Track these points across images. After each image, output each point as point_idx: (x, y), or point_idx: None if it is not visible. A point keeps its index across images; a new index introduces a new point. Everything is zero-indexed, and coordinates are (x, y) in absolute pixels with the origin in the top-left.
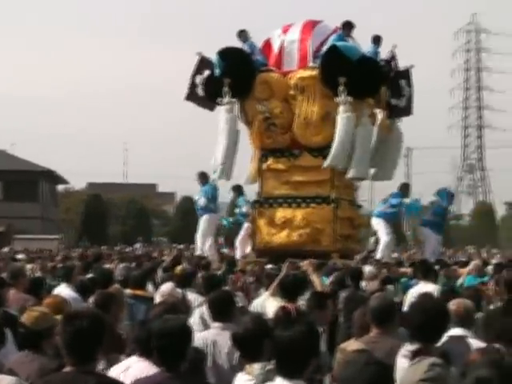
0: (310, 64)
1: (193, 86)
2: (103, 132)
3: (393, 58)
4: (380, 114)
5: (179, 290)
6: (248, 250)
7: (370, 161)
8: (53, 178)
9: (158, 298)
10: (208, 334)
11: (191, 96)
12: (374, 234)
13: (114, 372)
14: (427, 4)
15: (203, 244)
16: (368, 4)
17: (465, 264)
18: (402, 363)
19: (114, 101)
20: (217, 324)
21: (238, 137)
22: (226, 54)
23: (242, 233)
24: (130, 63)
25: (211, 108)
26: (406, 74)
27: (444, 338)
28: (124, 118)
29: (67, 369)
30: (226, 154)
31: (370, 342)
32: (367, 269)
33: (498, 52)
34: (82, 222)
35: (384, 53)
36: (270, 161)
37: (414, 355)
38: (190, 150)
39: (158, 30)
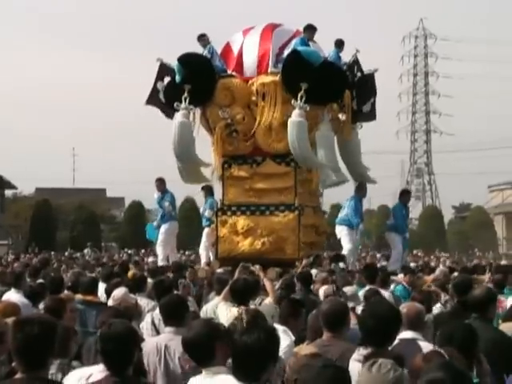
0: (271, 69)
1: (154, 91)
2: (51, 137)
3: (356, 62)
4: (343, 118)
5: (132, 295)
6: (211, 257)
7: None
8: (0, 183)
9: (110, 303)
10: (160, 338)
11: (152, 100)
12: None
13: (72, 378)
14: (378, 8)
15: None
16: (318, 5)
17: (431, 270)
18: (355, 367)
19: (61, 105)
20: (169, 329)
21: (193, 143)
22: (186, 60)
23: (203, 239)
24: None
25: (171, 116)
26: (370, 79)
27: (395, 341)
28: (72, 122)
29: (18, 375)
30: (182, 159)
31: (322, 345)
32: (314, 272)
33: (446, 57)
34: (31, 228)
35: (346, 57)
36: (233, 168)
37: (367, 359)
38: (139, 155)
39: (100, 32)
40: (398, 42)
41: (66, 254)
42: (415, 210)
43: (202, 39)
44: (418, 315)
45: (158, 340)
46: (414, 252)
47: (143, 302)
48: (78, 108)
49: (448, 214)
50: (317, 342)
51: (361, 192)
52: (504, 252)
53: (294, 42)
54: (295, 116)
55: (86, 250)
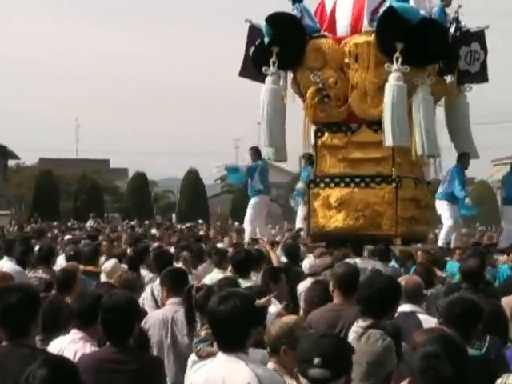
0: (366, 28)
1: (246, 60)
2: (55, 108)
3: (456, 19)
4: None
5: (123, 266)
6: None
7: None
8: (4, 153)
9: (102, 275)
10: (165, 311)
11: (245, 71)
12: None
13: (53, 346)
14: None
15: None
16: None
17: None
18: (353, 339)
19: (66, 76)
20: (172, 299)
21: (285, 111)
22: (274, 20)
23: (299, 214)
24: (83, 39)
25: (264, 81)
26: (479, 37)
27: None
28: (76, 93)
29: (3, 343)
30: (275, 134)
31: (334, 309)
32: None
33: None
34: (34, 198)
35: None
36: (325, 136)
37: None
38: (142, 126)
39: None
40: None
41: (69, 224)
42: None
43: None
44: (417, 288)
45: (163, 312)
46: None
47: (143, 273)
48: (83, 78)
49: None
50: (326, 308)
51: (464, 163)
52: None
53: None
54: (393, 79)
55: (89, 222)
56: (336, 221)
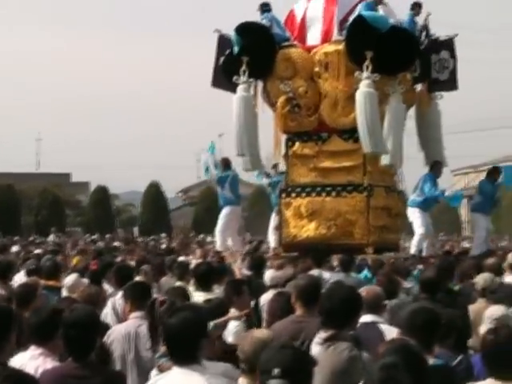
0: (335, 37)
1: (217, 69)
2: (15, 122)
3: (425, 27)
4: (419, 89)
5: (85, 280)
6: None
7: (419, 143)
8: None
9: (64, 290)
10: (128, 325)
11: (217, 81)
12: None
13: (14, 363)
14: None
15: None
16: None
17: None
18: (316, 351)
19: (27, 90)
20: (135, 314)
21: (257, 119)
22: (244, 29)
23: (271, 224)
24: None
25: (235, 90)
26: (448, 45)
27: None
28: (37, 108)
29: None
30: (249, 143)
31: (296, 321)
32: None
33: None
34: None
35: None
36: (296, 146)
37: (327, 342)
38: (103, 139)
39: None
40: None
41: (31, 238)
42: None
43: (263, 7)
44: (377, 298)
45: (125, 327)
46: None
47: (105, 287)
48: (44, 90)
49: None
50: (288, 319)
51: (437, 171)
52: (467, 235)
53: (359, 6)
54: (364, 87)
55: (50, 236)
56: (308, 230)
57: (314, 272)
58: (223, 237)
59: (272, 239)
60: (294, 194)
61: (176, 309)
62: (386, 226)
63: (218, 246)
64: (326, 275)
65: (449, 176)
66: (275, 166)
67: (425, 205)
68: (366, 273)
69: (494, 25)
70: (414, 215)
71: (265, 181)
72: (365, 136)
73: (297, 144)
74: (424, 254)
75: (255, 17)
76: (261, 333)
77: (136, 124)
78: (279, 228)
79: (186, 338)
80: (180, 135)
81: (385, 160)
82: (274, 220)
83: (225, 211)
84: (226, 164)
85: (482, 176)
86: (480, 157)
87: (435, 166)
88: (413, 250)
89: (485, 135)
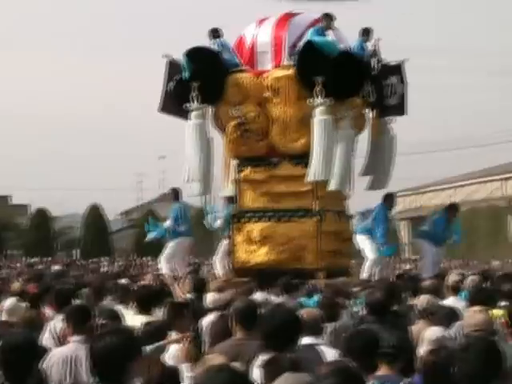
0: (285, 62)
1: (166, 95)
2: None
3: (375, 53)
4: (370, 114)
5: (23, 304)
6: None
7: (365, 168)
8: None
9: (2, 314)
10: (67, 349)
11: (165, 106)
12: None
13: None
14: None
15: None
16: None
17: None
18: (256, 373)
19: None
20: (75, 338)
21: (211, 146)
22: (194, 54)
23: (220, 249)
24: None
25: (185, 117)
26: (397, 70)
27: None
28: None
29: None
30: (203, 167)
31: (235, 344)
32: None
33: None
34: None
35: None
36: (247, 171)
37: (267, 364)
38: (42, 162)
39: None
40: None
41: None
42: None
43: (214, 33)
44: (315, 320)
45: (65, 351)
46: None
47: (46, 311)
48: None
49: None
50: (227, 342)
51: (390, 202)
52: (408, 257)
53: (309, 32)
54: (320, 114)
55: None
56: (259, 255)
57: (259, 295)
58: (171, 263)
59: (220, 266)
60: (244, 219)
61: (104, 332)
62: (337, 251)
63: (165, 272)
64: (272, 298)
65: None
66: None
67: (374, 233)
68: (316, 298)
69: (446, 49)
70: (365, 242)
71: (219, 223)
72: (317, 164)
73: (247, 169)
74: (376, 278)
75: (205, 42)
76: (216, 359)
77: (73, 145)
78: (230, 253)
79: (112, 362)
80: (119, 156)
81: (332, 185)
82: (223, 246)
83: (172, 242)
84: (175, 195)
85: (423, 198)
86: (419, 179)
87: (389, 198)
88: (365, 275)
89: (425, 158)
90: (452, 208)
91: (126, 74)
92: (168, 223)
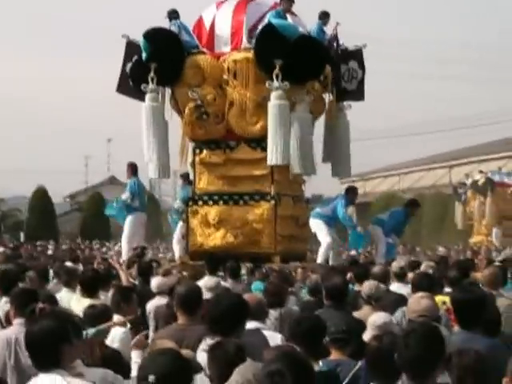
0: (244, 44)
1: (123, 75)
2: None
3: (335, 37)
4: (328, 98)
5: None
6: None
7: (324, 154)
8: None
9: None
10: (9, 331)
11: (122, 87)
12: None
13: None
14: None
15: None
16: None
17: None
18: (203, 357)
19: None
20: (18, 320)
21: (167, 128)
22: (152, 35)
23: (177, 232)
24: None
25: (143, 98)
26: (357, 55)
27: None
28: None
29: None
30: (159, 150)
31: (178, 329)
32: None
33: None
34: None
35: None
36: (204, 153)
37: (212, 349)
38: None
39: None
40: None
41: None
42: None
43: (171, 14)
44: (259, 305)
45: (7, 333)
46: None
47: None
48: None
49: None
50: (172, 327)
51: (352, 197)
52: None
53: (268, 15)
54: (275, 98)
55: None
56: (215, 239)
57: (210, 280)
58: (129, 245)
59: (176, 248)
60: (201, 202)
61: (38, 318)
62: (294, 236)
63: (124, 255)
64: (223, 283)
65: (337, 184)
66: (183, 177)
67: (330, 221)
68: None
69: (404, 37)
70: (318, 226)
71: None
72: (275, 149)
73: (204, 152)
74: (330, 263)
75: (163, 24)
76: (166, 344)
77: (22, 127)
78: (185, 236)
79: (44, 345)
80: (66, 138)
81: (295, 169)
82: (180, 229)
83: (129, 218)
84: (132, 170)
85: (369, 184)
86: (365, 165)
87: (351, 192)
88: (319, 260)
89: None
90: (414, 205)
91: (74, 56)
92: (124, 196)
